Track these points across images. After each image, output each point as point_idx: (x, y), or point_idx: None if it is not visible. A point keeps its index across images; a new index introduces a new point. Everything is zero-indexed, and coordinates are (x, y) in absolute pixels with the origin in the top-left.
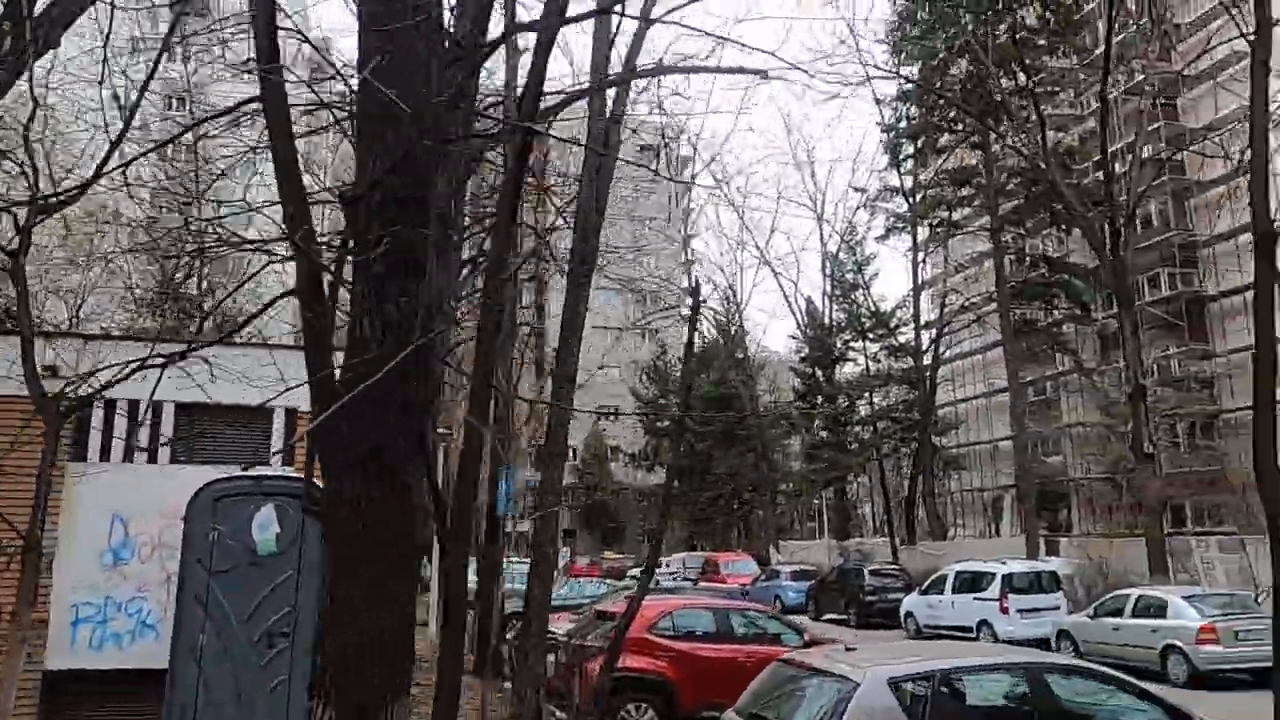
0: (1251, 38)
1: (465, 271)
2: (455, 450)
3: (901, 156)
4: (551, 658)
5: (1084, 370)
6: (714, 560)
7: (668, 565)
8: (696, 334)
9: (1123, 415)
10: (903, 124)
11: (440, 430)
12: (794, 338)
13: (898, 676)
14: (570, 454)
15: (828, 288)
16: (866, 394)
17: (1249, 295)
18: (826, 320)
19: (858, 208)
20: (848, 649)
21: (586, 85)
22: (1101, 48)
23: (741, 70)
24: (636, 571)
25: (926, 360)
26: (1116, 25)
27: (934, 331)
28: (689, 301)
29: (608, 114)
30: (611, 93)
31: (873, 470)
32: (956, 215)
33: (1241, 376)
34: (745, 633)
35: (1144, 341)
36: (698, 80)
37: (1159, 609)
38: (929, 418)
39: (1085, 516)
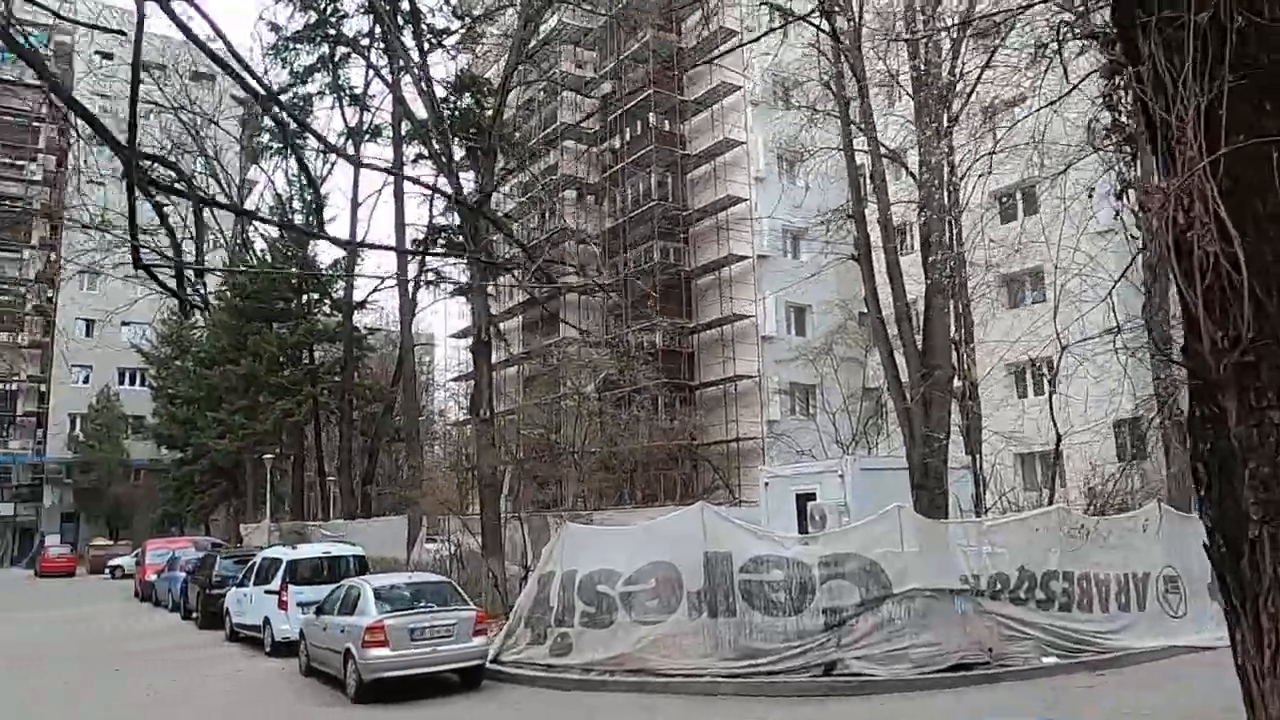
0: None
1: None
2: None
3: None
4: None
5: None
6: (146, 548)
7: (135, 556)
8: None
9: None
10: None
11: None
12: None
13: None
14: (71, 423)
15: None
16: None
17: None
18: None
19: None
20: None
21: None
22: None
23: None
24: (122, 561)
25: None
26: None
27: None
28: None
29: None
30: None
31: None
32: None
33: None
34: None
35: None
36: None
37: (355, 602)
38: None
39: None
